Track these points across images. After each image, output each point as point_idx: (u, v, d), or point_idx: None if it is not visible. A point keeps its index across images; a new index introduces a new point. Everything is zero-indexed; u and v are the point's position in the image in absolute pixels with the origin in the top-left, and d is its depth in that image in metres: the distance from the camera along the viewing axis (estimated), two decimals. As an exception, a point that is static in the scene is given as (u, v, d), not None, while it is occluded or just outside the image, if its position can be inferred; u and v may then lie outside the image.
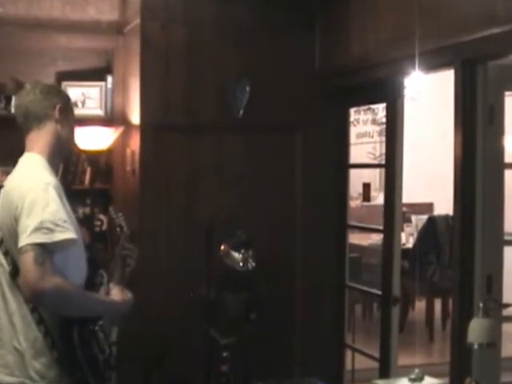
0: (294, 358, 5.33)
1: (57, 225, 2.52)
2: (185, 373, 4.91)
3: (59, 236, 2.51)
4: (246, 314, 4.76)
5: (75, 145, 3.02)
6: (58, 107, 2.78)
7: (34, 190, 2.57)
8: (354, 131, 8.90)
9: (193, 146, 5.08)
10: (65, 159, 3.25)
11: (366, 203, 8.42)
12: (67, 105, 2.84)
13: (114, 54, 5.59)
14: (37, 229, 2.49)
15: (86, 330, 2.65)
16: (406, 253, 6.92)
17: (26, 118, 2.79)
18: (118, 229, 3.08)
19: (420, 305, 7.92)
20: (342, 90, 5.21)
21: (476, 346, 3.19)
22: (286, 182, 5.30)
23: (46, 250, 2.48)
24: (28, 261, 2.46)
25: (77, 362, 2.61)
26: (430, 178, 8.87)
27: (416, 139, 8.08)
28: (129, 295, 2.85)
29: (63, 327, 2.61)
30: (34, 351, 2.60)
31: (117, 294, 2.80)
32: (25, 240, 2.49)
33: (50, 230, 2.50)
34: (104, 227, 5.55)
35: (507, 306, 3.91)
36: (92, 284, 2.77)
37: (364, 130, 9.76)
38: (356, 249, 7.20)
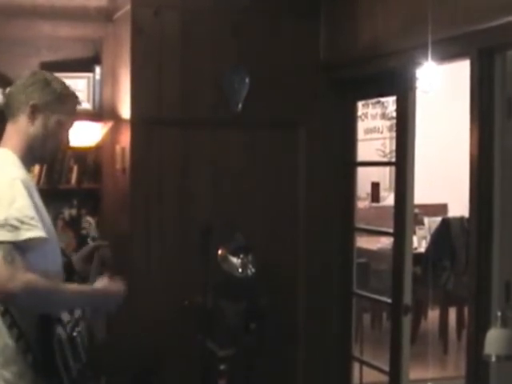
0: (298, 371, 5.34)
1: (22, 222, 2.53)
2: (179, 387, 4.93)
3: (25, 234, 2.53)
4: (245, 323, 4.77)
5: (53, 151, 2.88)
6: (30, 104, 2.75)
7: (0, 186, 2.58)
8: (361, 126, 8.92)
9: (188, 143, 5.09)
10: (40, 162, 3.21)
11: (374, 204, 8.40)
12: (49, 104, 2.77)
13: (103, 43, 5.60)
14: (1, 226, 2.51)
15: (66, 334, 2.67)
16: (418, 258, 6.92)
17: (5, 108, 2.82)
18: (86, 224, 3.12)
19: (433, 314, 7.93)
20: (349, 81, 5.22)
21: (494, 359, 3.20)
22: (288, 181, 5.30)
23: (16, 248, 2.50)
24: None
25: (54, 366, 2.63)
26: (443, 177, 8.88)
27: (429, 135, 8.10)
28: (119, 285, 2.83)
29: (42, 329, 2.62)
30: (4, 359, 2.62)
31: (102, 283, 2.81)
32: None
33: (15, 228, 2.52)
34: (92, 230, 5.55)
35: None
36: None
37: (372, 125, 9.78)
38: (364, 253, 7.21)
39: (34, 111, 2.76)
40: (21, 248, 2.52)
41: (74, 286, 2.73)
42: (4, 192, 2.57)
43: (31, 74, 2.85)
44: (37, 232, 2.55)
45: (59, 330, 2.66)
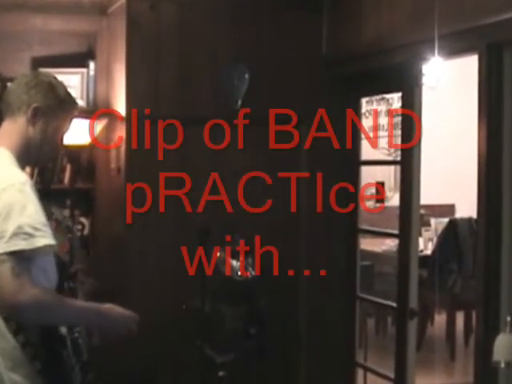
0: (299, 378, 5.34)
1: (37, 229, 2.54)
2: (176, 395, 4.93)
3: (40, 241, 2.54)
4: (244, 328, 4.77)
5: (49, 155, 2.93)
6: (32, 106, 2.76)
7: (9, 191, 2.58)
8: (365, 124, 8.91)
9: (185, 141, 5.08)
10: (34, 164, 3.21)
11: (379, 204, 8.44)
12: (51, 109, 2.78)
13: (97, 38, 5.59)
14: (15, 234, 2.52)
15: (70, 339, 2.71)
16: (424, 260, 6.92)
17: (3, 105, 2.82)
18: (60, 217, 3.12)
19: (440, 318, 7.93)
20: (353, 77, 5.22)
21: (503, 365, 3.20)
22: (289, 180, 5.30)
23: (24, 259, 2.51)
24: (4, 272, 2.49)
25: (64, 373, 2.66)
26: (451, 177, 8.88)
27: (435, 132, 8.09)
28: (130, 311, 2.86)
29: (47, 337, 2.64)
30: (13, 363, 2.62)
31: (110, 305, 2.83)
32: (1, 248, 2.51)
33: (30, 235, 2.52)
34: (86, 231, 5.56)
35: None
36: (61, 292, 2.80)
37: (377, 123, 9.77)
38: (368, 256, 7.21)
39: (36, 114, 2.77)
40: (29, 258, 2.53)
41: (79, 302, 2.77)
42: (14, 198, 2.57)
43: (35, 75, 2.88)
44: (50, 239, 2.58)
45: (63, 331, 2.69)
